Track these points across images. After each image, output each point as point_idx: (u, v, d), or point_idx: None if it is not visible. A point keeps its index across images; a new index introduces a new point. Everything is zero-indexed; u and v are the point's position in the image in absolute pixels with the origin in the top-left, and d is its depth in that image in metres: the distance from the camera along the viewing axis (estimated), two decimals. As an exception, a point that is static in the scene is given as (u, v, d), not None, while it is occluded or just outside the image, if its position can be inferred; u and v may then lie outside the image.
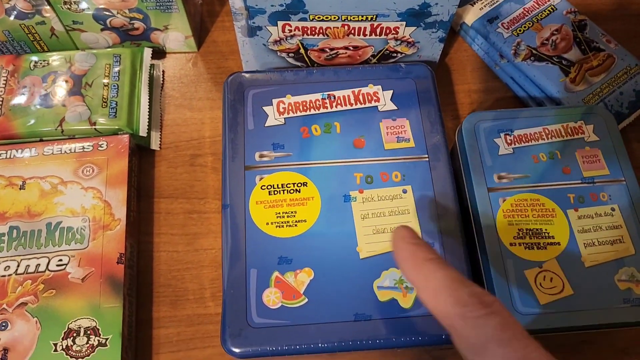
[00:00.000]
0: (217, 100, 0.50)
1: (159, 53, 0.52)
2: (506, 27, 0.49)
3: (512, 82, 0.50)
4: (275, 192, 0.37)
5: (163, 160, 0.48)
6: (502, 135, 0.39)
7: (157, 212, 0.46)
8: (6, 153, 0.44)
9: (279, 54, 0.46)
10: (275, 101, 0.40)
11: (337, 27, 0.43)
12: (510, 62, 0.49)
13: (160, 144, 0.48)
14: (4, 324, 0.38)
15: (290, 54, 0.46)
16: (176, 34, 0.50)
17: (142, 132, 0.46)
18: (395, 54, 0.46)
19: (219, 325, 0.41)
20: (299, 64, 0.47)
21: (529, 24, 0.49)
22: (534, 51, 0.48)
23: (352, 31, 0.43)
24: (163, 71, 0.52)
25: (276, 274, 0.35)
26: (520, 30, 0.49)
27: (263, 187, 0.37)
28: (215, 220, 0.45)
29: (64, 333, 0.38)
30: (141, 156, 0.47)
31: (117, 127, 0.45)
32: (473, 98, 0.51)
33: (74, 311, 0.39)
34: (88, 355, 0.37)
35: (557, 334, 0.34)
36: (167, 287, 0.43)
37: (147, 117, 0.47)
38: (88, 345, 0.38)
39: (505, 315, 0.23)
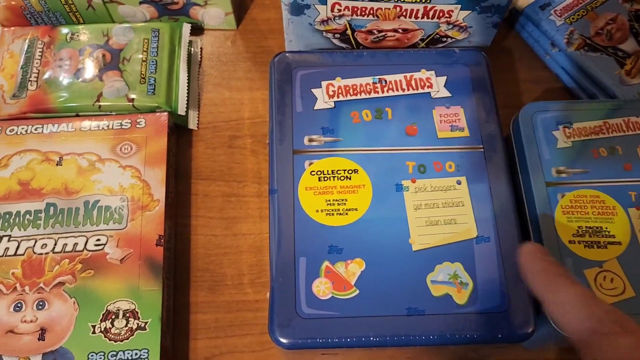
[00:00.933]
0: (257, 81, 0.48)
1: (197, 29, 0.50)
2: (559, 14, 0.48)
3: (563, 73, 0.48)
4: (326, 179, 0.36)
5: (201, 141, 0.46)
6: (560, 127, 0.38)
7: (195, 194, 0.44)
8: (42, 127, 0.43)
9: (324, 34, 0.44)
10: (324, 83, 0.39)
11: (389, 8, 0.41)
12: (562, 52, 0.47)
13: (198, 124, 0.47)
14: (41, 303, 0.37)
15: (336, 35, 0.44)
16: (216, 10, 0.48)
17: (181, 110, 0.45)
18: (444, 39, 0.45)
19: (258, 313, 0.41)
20: (343, 45, 0.46)
21: (583, 12, 0.47)
22: (587, 41, 0.46)
23: (404, 13, 0.41)
24: (201, 48, 0.50)
25: (326, 263, 0.34)
26: (573, 19, 0.47)
27: (313, 173, 0.36)
28: (254, 204, 0.44)
29: (103, 315, 0.37)
30: (178, 136, 0.46)
31: (155, 104, 0.44)
32: (521, 88, 0.49)
33: (113, 293, 0.38)
34: (127, 339, 0.36)
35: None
36: (204, 271, 0.42)
37: (186, 95, 0.45)
38: (127, 328, 0.37)
39: None
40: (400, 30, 0.43)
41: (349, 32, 0.44)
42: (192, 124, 0.46)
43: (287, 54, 0.40)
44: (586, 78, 0.46)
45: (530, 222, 0.36)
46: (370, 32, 0.44)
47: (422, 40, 0.45)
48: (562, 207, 0.35)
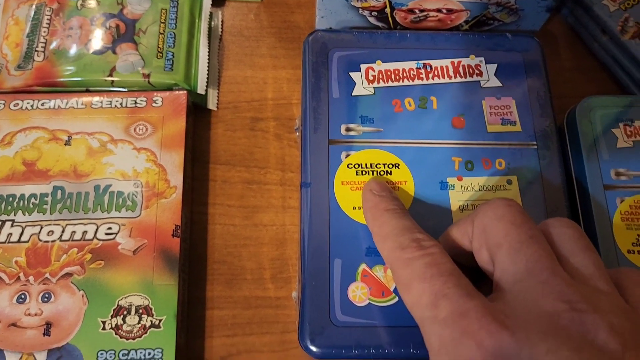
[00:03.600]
0: (281, 59, 0.45)
1: (219, 1, 0.46)
2: (613, -1, 0.44)
3: (613, 62, 0.45)
4: (364, 173, 0.33)
5: (220, 122, 0.43)
6: (620, 125, 0.34)
7: (213, 180, 0.41)
8: (50, 102, 0.39)
9: (360, 11, 0.40)
10: (363, 67, 0.35)
11: (436, -15, 0.37)
12: (614, 40, 0.44)
13: (217, 104, 0.43)
14: (47, 295, 0.34)
15: (373, 13, 0.41)
16: (239, -20, 0.45)
17: (201, 89, 0.41)
18: (491, 22, 0.41)
19: (279, 310, 0.38)
20: (380, 24, 0.42)
21: (639, -3, 0.44)
22: (643, 29, 0.43)
23: (452, -9, 0.38)
24: (222, 21, 0.46)
25: (364, 266, 0.31)
26: (628, 4, 0.44)
27: (350, 166, 0.33)
28: (276, 193, 0.41)
29: (114, 310, 0.34)
30: (198, 116, 0.42)
31: (173, 81, 0.40)
32: (565, 76, 0.45)
33: (125, 287, 0.35)
34: (140, 337, 0.34)
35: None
36: (222, 264, 0.39)
37: (206, 72, 0.42)
38: (140, 325, 0.34)
39: (437, 256, 0.24)
40: (444, 10, 0.40)
41: (387, 9, 0.40)
42: (212, 104, 0.43)
43: (322, 33, 0.36)
44: (639, 70, 0.43)
45: (585, 228, 0.33)
46: (411, 10, 0.40)
47: (466, 22, 0.41)
48: (621, 213, 0.32)
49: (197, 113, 0.43)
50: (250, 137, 0.42)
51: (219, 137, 0.42)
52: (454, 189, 0.33)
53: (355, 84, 0.35)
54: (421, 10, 0.40)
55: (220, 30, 0.46)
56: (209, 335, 0.37)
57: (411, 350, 0.29)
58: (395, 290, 0.31)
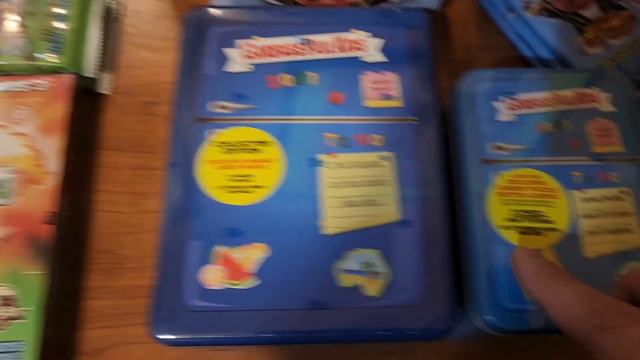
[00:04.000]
0: (181, 41, 0.43)
1: (118, -18, 0.45)
2: (517, -25, 0.43)
3: (519, 40, 0.44)
4: (231, 151, 0.31)
5: (113, 107, 0.41)
6: (503, 98, 0.33)
7: (101, 166, 0.40)
8: None
9: (253, -11, 0.39)
10: (240, 43, 0.34)
11: (320, -40, 0.36)
12: (520, 17, 0.42)
13: (111, 88, 0.42)
14: None
15: (266, -9, 0.39)
16: (136, -39, 0.43)
17: (90, 72, 0.40)
18: (388, -2, 0.40)
19: (161, 299, 0.36)
20: (277, 2, 0.41)
21: (544, -27, 0.43)
22: (547, 5, 0.42)
23: (338, -34, 0.36)
24: (121, 3, 0.45)
25: (223, 248, 0.29)
26: (533, -20, 0.42)
27: (217, 144, 0.31)
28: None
29: (-23, 301, 0.32)
30: (88, 100, 0.41)
31: (60, 64, 0.39)
32: (473, 55, 0.44)
33: (-9, 276, 0.33)
34: (3, 329, 0.32)
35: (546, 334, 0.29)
36: (104, 252, 0.37)
37: (97, 55, 0.40)
38: (3, 317, 0.32)
39: None
40: (337, -14, 0.38)
41: (280, -14, 0.39)
42: (104, 88, 0.41)
43: (203, 9, 0.35)
44: (543, 46, 0.42)
45: (460, 203, 0.32)
46: (304, -13, 0.39)
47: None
48: (497, 188, 0.31)
49: (89, 97, 0.41)
50: (143, 122, 0.41)
51: (110, 122, 0.41)
52: (325, 165, 0.31)
53: (231, 60, 0.34)
54: (313, -13, 0.39)
55: (120, 13, 0.44)
56: (85, 327, 0.36)
57: (268, 334, 0.28)
58: (256, 273, 0.29)
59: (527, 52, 0.43)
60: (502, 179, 0.31)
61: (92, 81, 0.40)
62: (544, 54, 0.42)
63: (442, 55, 0.44)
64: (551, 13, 0.41)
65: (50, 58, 0.39)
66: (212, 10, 0.34)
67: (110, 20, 0.43)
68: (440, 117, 0.33)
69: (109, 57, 0.42)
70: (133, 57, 0.43)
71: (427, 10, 0.41)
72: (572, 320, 0.23)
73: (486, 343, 0.36)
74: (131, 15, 0.44)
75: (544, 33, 0.41)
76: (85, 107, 0.41)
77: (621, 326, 0.21)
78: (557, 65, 0.41)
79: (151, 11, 0.44)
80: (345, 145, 0.32)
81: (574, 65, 0.40)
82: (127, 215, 0.38)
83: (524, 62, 0.44)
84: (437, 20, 0.45)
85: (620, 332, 0.21)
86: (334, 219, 0.30)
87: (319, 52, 0.34)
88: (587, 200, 0.31)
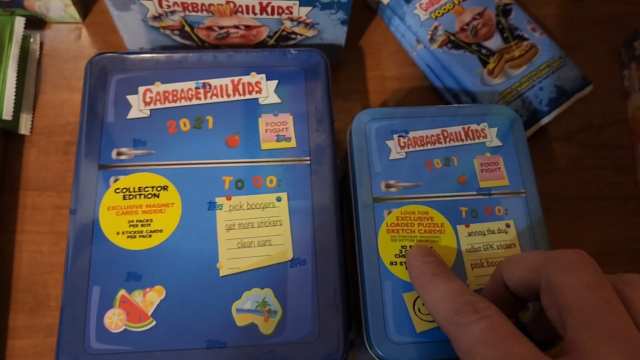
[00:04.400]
0: (101, 80, 0.44)
1: (39, 23, 0.46)
2: (424, 8, 0.45)
3: (429, 71, 0.46)
4: (131, 197, 0.33)
5: (33, 147, 0.43)
6: (395, 136, 0.35)
7: (22, 207, 0.41)
8: None
9: (162, 31, 0.40)
10: (141, 89, 0.35)
11: (222, 4, 0.37)
12: (426, 49, 0.44)
13: (31, 129, 0.43)
14: None
15: (175, 32, 0.41)
16: (55, 2, 0.44)
17: (7, 115, 0.41)
18: (294, 36, 0.41)
19: (81, 337, 0.37)
20: (187, 42, 0.42)
21: (450, 5, 0.44)
22: (451, 37, 0.44)
23: (240, 9, 0.38)
24: (41, 43, 0.46)
25: (122, 292, 0.31)
26: (439, 13, 0.44)
27: (117, 191, 0.33)
28: (87, 217, 0.40)
29: None
30: (7, 142, 0.42)
31: (-24, 108, 0.40)
32: (386, 86, 0.46)
33: None
34: None
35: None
36: (27, 292, 0.39)
37: (14, 97, 0.41)
38: None
39: (495, 318, 0.23)
40: (242, 27, 0.40)
41: (187, 29, 0.40)
42: (24, 129, 0.42)
43: (105, 55, 0.36)
44: (450, 77, 0.44)
45: (354, 242, 0.33)
46: (210, 28, 0.40)
47: (269, 37, 0.41)
48: (387, 225, 0.33)
49: (9, 139, 0.42)
50: (64, 162, 0.42)
51: (31, 163, 0.42)
52: (222, 208, 0.33)
53: (132, 106, 0.35)
54: (220, 28, 0.40)
55: (38, 53, 0.45)
56: (8, 366, 0.37)
57: (165, 374, 0.29)
58: (154, 315, 0.31)
59: (436, 83, 0.45)
60: (392, 216, 0.33)
61: (11, 123, 0.41)
62: (451, 84, 0.44)
63: (358, 86, 0.46)
64: (456, 45, 0.43)
65: (-33, 102, 0.40)
66: (115, 56, 0.36)
67: (29, 61, 0.44)
68: (335, 156, 0.35)
69: (27, 99, 0.43)
70: (52, 98, 0.44)
71: (336, 47, 0.42)
72: (439, 317, 0.25)
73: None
74: (50, 54, 0.45)
75: (449, 64, 0.43)
76: (5, 149, 0.42)
77: (470, 323, 0.23)
78: (463, 95, 0.43)
79: (69, 51, 0.45)
80: (242, 187, 0.33)
81: (477, 96, 0.42)
82: (48, 255, 0.39)
83: (435, 92, 0.46)
84: (354, 53, 0.46)
85: (468, 328, 0.23)
86: (230, 260, 0.32)
87: (217, 96, 0.35)
88: (471, 234, 0.33)
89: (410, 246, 0.32)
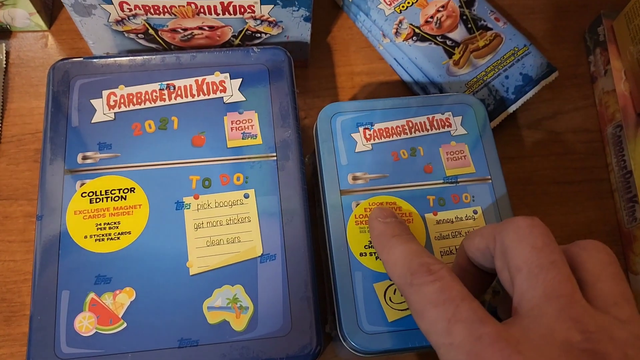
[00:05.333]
0: (69, 87, 0.44)
1: (4, 32, 0.46)
2: (388, 2, 0.45)
3: (396, 64, 0.46)
4: (98, 200, 0.33)
5: (3, 156, 0.42)
6: (360, 129, 0.35)
7: (-7, 217, 0.40)
8: None
9: (126, 35, 0.40)
10: (105, 93, 0.35)
11: (183, 6, 0.37)
12: (392, 42, 0.45)
13: (0, 138, 0.43)
14: None
15: (139, 35, 0.41)
16: (19, 11, 0.44)
17: (-26, 125, 0.40)
18: (259, 35, 0.41)
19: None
20: (153, 45, 0.42)
21: (414, -1, 0.45)
22: (416, 30, 0.44)
23: (202, 10, 0.38)
24: (7, 52, 0.45)
25: (92, 295, 0.31)
26: (403, 7, 0.45)
27: (84, 195, 0.33)
28: (59, 224, 0.40)
29: None
30: (-25, 153, 0.42)
31: (-58, 120, 0.40)
32: (355, 81, 0.46)
33: None
34: None
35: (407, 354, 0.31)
36: (1, 302, 0.38)
37: (-20, 108, 0.41)
38: None
39: (447, 280, 0.23)
40: (206, 28, 0.40)
41: (151, 31, 0.40)
42: (-8, 139, 0.42)
43: (67, 61, 0.36)
44: (417, 70, 0.44)
45: (323, 235, 0.34)
46: (174, 30, 0.40)
47: (235, 37, 0.41)
48: (355, 217, 0.33)
49: (-23, 149, 0.42)
50: (34, 170, 0.42)
51: (1, 171, 0.42)
52: (189, 208, 0.33)
53: (96, 110, 0.35)
54: (184, 29, 0.40)
55: (4, 62, 0.45)
56: (-19, 377, 0.36)
57: (137, 375, 0.29)
58: (124, 317, 0.30)
59: (404, 76, 0.46)
60: (360, 207, 0.33)
61: (-21, 133, 0.41)
62: (419, 77, 0.44)
63: (327, 83, 0.46)
64: (421, 37, 0.44)
65: None
66: (77, 61, 0.36)
67: (-3, 70, 0.44)
68: (300, 151, 0.35)
69: (-5, 108, 0.43)
70: (20, 106, 0.44)
71: (302, 44, 0.43)
72: (395, 276, 0.26)
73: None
74: (17, 63, 0.45)
75: (415, 57, 0.43)
76: (-27, 160, 0.41)
77: (423, 284, 0.24)
78: (430, 87, 0.44)
79: (36, 59, 0.45)
80: (209, 186, 0.33)
81: (444, 86, 0.42)
82: (21, 263, 0.39)
83: (404, 85, 0.46)
84: (322, 49, 0.47)
85: (421, 289, 0.24)
86: (200, 258, 0.32)
87: (182, 96, 0.35)
88: (439, 222, 0.33)
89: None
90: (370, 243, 0.32)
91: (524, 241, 0.23)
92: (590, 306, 0.22)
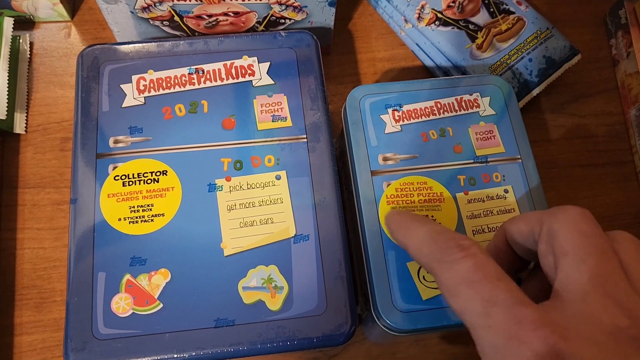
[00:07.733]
0: (93, 76, 0.45)
1: (28, 23, 0.46)
2: (410, -12, 0.45)
3: (419, 50, 0.46)
4: (130, 183, 0.33)
5: (29, 145, 0.43)
6: (389, 110, 0.35)
7: (22, 205, 0.41)
8: None
9: (151, 22, 0.41)
10: (135, 78, 0.35)
11: (210, -9, 0.38)
12: (415, 28, 0.45)
13: (26, 127, 0.43)
14: None
15: (164, 23, 0.41)
16: (43, 1, 0.44)
17: (0, 114, 0.41)
18: (283, 20, 0.41)
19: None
20: (177, 33, 0.42)
21: (429, -17, 0.45)
22: (439, 15, 0.44)
23: (228, -5, 0.38)
24: (31, 43, 0.46)
25: (128, 277, 0.31)
26: (424, -8, 0.45)
27: (117, 178, 0.33)
28: (87, 211, 0.40)
29: None
30: (3, 141, 0.42)
31: (-31, 109, 0.40)
32: (377, 67, 0.46)
33: None
34: None
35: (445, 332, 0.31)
36: (31, 288, 0.39)
37: (7, 97, 0.41)
38: None
39: (480, 257, 0.22)
40: (231, 14, 0.40)
41: (177, 18, 0.40)
42: (19, 128, 0.42)
43: (96, 47, 0.36)
44: (439, 54, 0.44)
45: (355, 215, 0.34)
46: (200, 17, 0.40)
47: (259, 23, 0.41)
48: (387, 197, 0.33)
49: (4, 138, 0.42)
50: (60, 158, 0.42)
51: (28, 160, 0.42)
52: (222, 189, 0.33)
53: (126, 95, 0.35)
54: (209, 16, 0.40)
55: (28, 53, 0.45)
56: (16, 362, 0.37)
57: (175, 356, 0.30)
58: (160, 297, 0.31)
59: (427, 61, 0.46)
60: (391, 188, 0.33)
61: (5, 123, 0.41)
62: (441, 61, 0.44)
63: (349, 69, 0.46)
64: (443, 22, 0.44)
65: (-40, 104, 0.40)
66: (106, 47, 0.36)
67: (20, 60, 0.44)
68: (330, 132, 0.35)
69: (20, 98, 0.43)
70: (45, 95, 0.44)
71: (325, 30, 0.43)
72: (422, 256, 0.25)
73: (408, 342, 0.38)
74: (40, 54, 0.45)
75: (438, 42, 0.43)
76: (1, 148, 0.42)
77: (454, 261, 0.23)
78: (453, 71, 0.44)
79: (60, 49, 0.45)
80: (241, 168, 0.33)
81: (468, 70, 0.42)
82: (51, 250, 0.39)
83: (426, 71, 0.46)
84: (343, 36, 0.47)
85: (452, 266, 0.23)
86: (234, 239, 0.32)
87: (211, 80, 0.35)
88: (471, 201, 0.33)
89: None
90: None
91: (573, 227, 0.23)
92: (636, 294, 0.21)
